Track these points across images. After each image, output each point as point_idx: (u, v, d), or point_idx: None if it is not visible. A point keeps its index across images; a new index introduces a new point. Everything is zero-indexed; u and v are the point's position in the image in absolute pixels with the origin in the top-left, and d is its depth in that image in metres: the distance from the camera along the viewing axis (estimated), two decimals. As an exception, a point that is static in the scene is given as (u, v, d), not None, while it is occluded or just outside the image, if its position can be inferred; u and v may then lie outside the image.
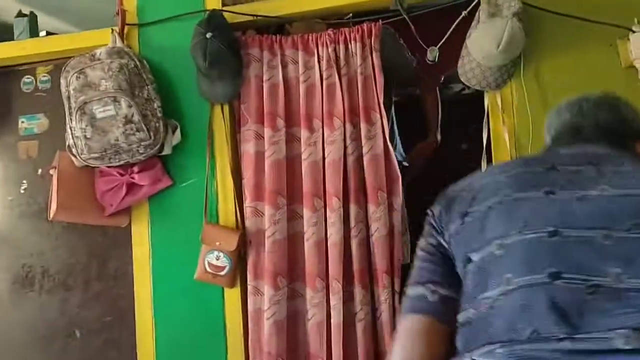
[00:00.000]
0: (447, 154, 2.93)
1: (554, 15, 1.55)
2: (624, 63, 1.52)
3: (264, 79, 1.80)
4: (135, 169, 1.83)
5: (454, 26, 1.64)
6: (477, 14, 1.61)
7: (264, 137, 1.79)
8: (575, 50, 1.57)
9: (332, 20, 1.86)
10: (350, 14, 1.89)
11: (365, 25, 1.74)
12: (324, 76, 1.76)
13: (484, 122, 1.66)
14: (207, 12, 1.79)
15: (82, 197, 1.86)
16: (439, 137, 2.24)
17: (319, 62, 1.77)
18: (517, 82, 1.61)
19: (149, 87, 1.80)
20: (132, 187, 1.85)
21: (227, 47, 1.73)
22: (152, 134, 1.75)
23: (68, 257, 1.98)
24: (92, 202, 1.88)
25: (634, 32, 1.47)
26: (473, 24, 1.61)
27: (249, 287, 1.77)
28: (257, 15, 1.82)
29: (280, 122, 1.78)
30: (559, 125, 1.09)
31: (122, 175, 1.84)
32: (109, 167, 1.83)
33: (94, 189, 1.88)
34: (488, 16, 1.55)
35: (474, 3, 1.64)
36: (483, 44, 1.55)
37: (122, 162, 1.80)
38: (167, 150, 1.84)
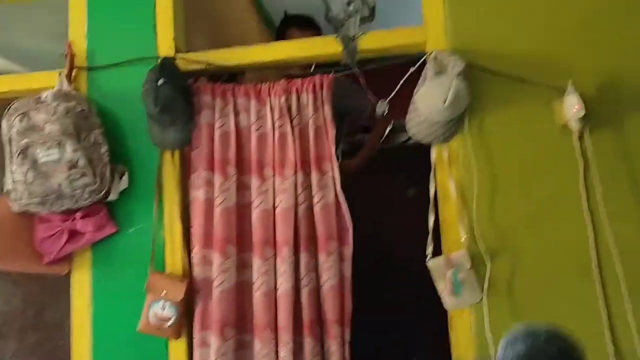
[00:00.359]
0: (393, 200, 3.01)
1: (496, 75, 1.64)
2: (559, 122, 1.62)
3: (216, 126, 1.80)
4: (78, 215, 1.77)
5: (401, 82, 1.71)
6: (424, 71, 1.69)
7: (214, 185, 1.78)
8: (515, 108, 1.65)
9: (285, 71, 1.90)
10: (314, 64, 1.94)
11: (317, 77, 1.79)
12: (276, 125, 1.77)
13: (430, 175, 1.71)
14: (160, 59, 1.79)
15: (19, 243, 1.79)
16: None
17: (271, 111, 1.79)
18: (462, 137, 1.67)
19: (96, 131, 1.76)
20: (74, 234, 1.78)
21: (179, 94, 1.73)
22: (98, 179, 1.71)
23: (2, 305, 1.87)
24: (29, 249, 1.80)
25: (567, 93, 1.58)
26: (420, 81, 1.68)
27: (195, 339, 1.72)
28: (209, 64, 1.83)
29: (232, 170, 1.77)
30: None
31: (63, 221, 1.77)
32: (50, 213, 1.76)
33: (32, 235, 1.80)
34: (434, 74, 1.62)
35: (421, 60, 1.72)
36: (430, 100, 1.62)
37: (64, 208, 1.74)
38: (113, 196, 1.79)
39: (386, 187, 2.70)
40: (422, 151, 1.76)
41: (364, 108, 2.10)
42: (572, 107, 1.56)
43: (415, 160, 1.84)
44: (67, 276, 1.84)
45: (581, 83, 1.58)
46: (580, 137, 1.60)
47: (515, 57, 1.66)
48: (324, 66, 1.84)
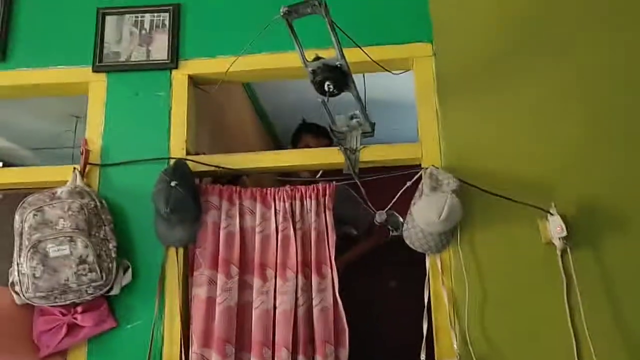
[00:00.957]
0: (376, 291, 3.08)
1: (485, 193, 1.79)
2: (544, 239, 1.76)
3: (222, 226, 1.88)
4: (79, 309, 1.79)
5: (398, 195, 1.84)
6: (420, 184, 1.83)
7: (216, 283, 1.83)
8: (503, 224, 1.79)
9: (291, 177, 2.02)
10: (320, 171, 2.06)
11: (320, 185, 1.91)
12: (280, 228, 1.87)
13: (425, 283, 1.81)
14: (174, 161, 1.90)
15: (17, 337, 1.78)
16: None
17: (275, 214, 1.89)
18: (455, 249, 1.79)
19: (106, 227, 1.82)
20: (72, 327, 1.79)
21: (189, 195, 1.82)
22: (104, 274, 1.75)
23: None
24: (26, 343, 1.79)
25: (551, 214, 1.73)
26: (417, 194, 1.82)
27: None
28: (220, 167, 1.94)
29: (234, 270, 1.84)
30: None
31: (64, 315, 1.79)
32: (51, 306, 1.78)
33: (30, 328, 1.81)
34: (430, 190, 1.76)
35: (417, 176, 1.86)
36: (426, 213, 1.74)
37: (67, 302, 1.76)
38: (115, 291, 1.82)
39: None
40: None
41: (359, 217, 2.24)
42: (555, 227, 1.70)
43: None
44: (61, 371, 1.83)
45: (564, 205, 1.74)
46: (563, 255, 1.74)
47: (504, 178, 1.82)
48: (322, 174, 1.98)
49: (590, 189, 1.79)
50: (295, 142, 2.67)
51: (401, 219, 1.92)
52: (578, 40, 1.95)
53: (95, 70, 2.05)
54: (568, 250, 1.73)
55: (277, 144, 4.02)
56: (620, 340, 1.66)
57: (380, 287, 3.10)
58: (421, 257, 2.75)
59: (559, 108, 1.89)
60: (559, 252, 1.73)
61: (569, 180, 1.81)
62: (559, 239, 1.71)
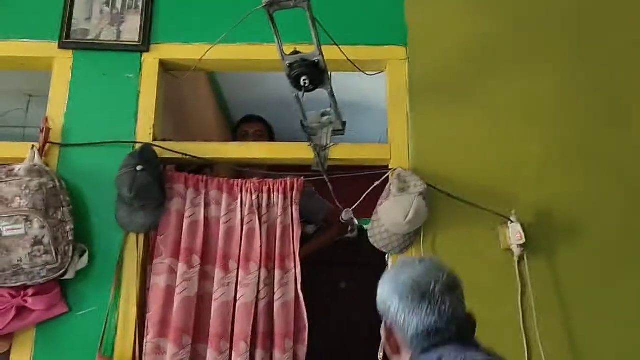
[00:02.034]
0: (325, 292, 3.09)
1: (450, 197, 1.84)
2: (503, 245, 1.82)
3: (186, 215, 1.85)
4: (30, 291, 1.72)
5: (366, 194, 1.86)
6: (388, 185, 1.85)
7: (176, 272, 1.80)
8: (465, 229, 1.84)
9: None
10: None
11: (288, 180, 1.91)
12: (245, 220, 1.85)
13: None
14: (141, 145, 1.85)
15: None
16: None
17: (241, 206, 1.87)
18: (417, 250, 1.83)
19: (64, 208, 1.76)
20: (22, 310, 1.72)
21: (155, 181, 1.78)
22: (59, 257, 1.69)
23: None
24: (-29, 324, 1.70)
25: (511, 221, 1.79)
26: (384, 194, 1.84)
27: None
28: (187, 155, 1.90)
29: (196, 259, 1.81)
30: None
31: (13, 297, 1.71)
32: (0, 287, 1.69)
33: (-24, 309, 1.72)
34: (398, 190, 1.79)
35: (385, 176, 1.89)
36: (392, 214, 1.77)
37: (18, 284, 1.69)
38: (69, 275, 1.76)
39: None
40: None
41: (320, 211, 2.27)
42: (514, 234, 1.77)
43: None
44: (6, 355, 1.74)
45: (523, 214, 1.81)
46: (520, 262, 1.80)
47: (468, 184, 1.87)
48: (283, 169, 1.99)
49: (548, 200, 1.87)
50: (235, 134, 2.69)
51: (356, 221, 1.95)
52: (542, 58, 2.03)
53: (62, 46, 1.98)
54: (525, 257, 1.80)
55: (234, 138, 3.98)
56: (568, 344, 1.73)
57: (331, 287, 3.12)
58: (368, 258, 2.79)
59: (523, 121, 1.96)
60: (516, 259, 1.80)
61: (528, 190, 1.88)
62: (517, 245, 1.77)
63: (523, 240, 1.76)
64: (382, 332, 1.23)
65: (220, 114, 3.60)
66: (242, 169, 2.03)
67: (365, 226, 3.51)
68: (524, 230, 1.77)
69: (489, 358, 1.15)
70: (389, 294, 1.19)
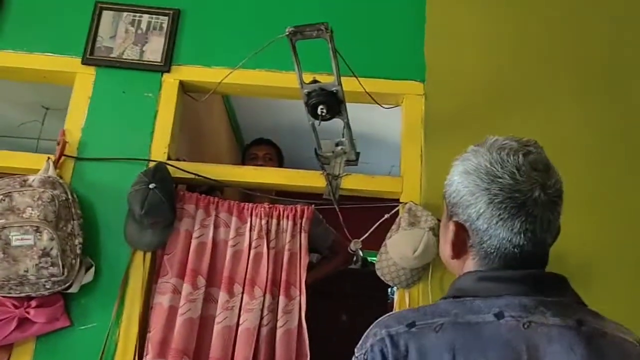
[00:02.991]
0: (325, 323, 3.06)
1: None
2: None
3: (194, 235, 1.85)
4: (33, 303, 1.71)
5: (375, 226, 1.86)
6: (398, 218, 1.85)
7: (181, 293, 1.79)
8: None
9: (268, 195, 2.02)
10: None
11: (298, 207, 1.91)
12: (253, 245, 1.85)
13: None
14: (155, 163, 1.86)
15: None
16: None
17: (250, 230, 1.87)
18: (425, 285, 1.81)
19: (74, 222, 1.76)
20: (23, 322, 1.71)
21: (166, 200, 1.79)
22: (66, 270, 1.68)
23: None
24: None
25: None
26: (394, 227, 1.83)
27: None
28: (199, 175, 1.91)
29: (201, 281, 1.80)
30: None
31: (16, 307, 1.70)
32: (4, 297, 1.69)
33: (-22, 317, 1.71)
34: (408, 224, 1.79)
35: (395, 209, 1.89)
36: (401, 247, 1.76)
37: (22, 295, 1.68)
38: (74, 289, 1.75)
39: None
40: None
41: (326, 238, 2.27)
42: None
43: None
44: (4, 366, 1.73)
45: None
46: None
47: None
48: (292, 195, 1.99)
49: (559, 241, 1.81)
50: (244, 157, 2.74)
51: (360, 252, 1.94)
52: (564, 101, 2.03)
53: (85, 62, 2.01)
54: (532, 299, 1.77)
55: (243, 160, 4.01)
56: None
57: (331, 319, 3.09)
58: (371, 291, 2.78)
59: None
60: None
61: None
62: (525, 287, 1.75)
63: (531, 283, 1.74)
64: (448, 226, 1.01)
65: (232, 137, 3.64)
66: (252, 193, 2.03)
67: (370, 258, 3.50)
68: (533, 272, 1.75)
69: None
70: (476, 187, 0.95)
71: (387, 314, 0.97)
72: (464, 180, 0.99)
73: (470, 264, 0.99)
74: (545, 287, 0.93)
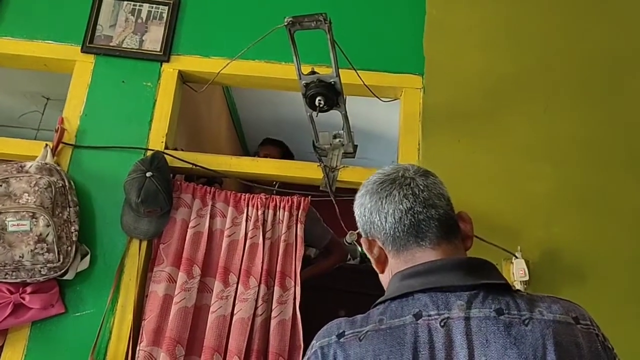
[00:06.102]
0: (323, 318, 3.06)
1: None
2: (508, 280, 1.79)
3: (190, 225, 1.85)
4: (29, 289, 1.72)
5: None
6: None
7: (176, 281, 1.79)
8: (470, 261, 1.83)
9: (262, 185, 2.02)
10: (277, 183, 2.09)
11: (295, 198, 1.91)
12: (249, 235, 1.85)
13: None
14: (152, 152, 1.87)
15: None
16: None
17: (246, 221, 1.87)
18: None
19: (71, 209, 1.76)
20: (18, 307, 1.72)
21: (163, 189, 1.79)
22: (61, 256, 1.69)
23: None
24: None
25: (516, 257, 1.78)
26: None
27: None
28: (197, 165, 1.92)
29: (197, 270, 1.80)
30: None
31: (11, 293, 1.71)
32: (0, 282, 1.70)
33: (-27, 301, 1.72)
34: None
35: (392, 202, 1.89)
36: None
37: (18, 280, 1.68)
38: (69, 276, 1.76)
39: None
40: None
41: (323, 237, 2.28)
42: (518, 270, 1.75)
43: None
44: (-2, 352, 1.74)
45: (529, 250, 1.80)
46: (522, 298, 1.78)
47: (475, 216, 1.82)
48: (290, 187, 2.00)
49: (556, 239, 1.85)
50: (257, 153, 2.80)
51: (359, 247, 1.93)
52: (562, 98, 2.03)
53: (85, 50, 2.02)
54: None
55: (245, 153, 4.02)
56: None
57: (329, 314, 3.09)
58: (369, 287, 2.75)
59: (536, 159, 1.95)
60: (518, 295, 1.77)
61: (536, 228, 1.86)
62: (520, 282, 1.75)
63: (526, 277, 1.74)
64: (365, 248, 1.07)
65: (232, 129, 3.64)
66: (251, 184, 2.03)
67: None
68: (528, 268, 1.75)
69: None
70: (360, 199, 1.07)
71: (332, 321, 0.97)
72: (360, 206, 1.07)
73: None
74: (466, 274, 0.92)
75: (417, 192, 1.00)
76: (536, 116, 2.00)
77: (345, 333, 0.92)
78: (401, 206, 0.99)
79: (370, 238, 1.05)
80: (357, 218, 1.09)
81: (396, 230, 0.99)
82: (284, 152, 2.79)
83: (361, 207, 1.07)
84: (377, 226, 1.02)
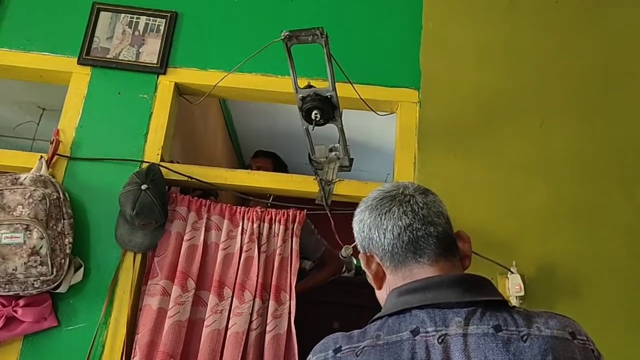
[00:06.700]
0: (317, 331, 3.04)
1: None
2: (504, 295, 1.79)
3: (185, 238, 1.84)
4: (21, 302, 1.70)
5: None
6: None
7: (170, 295, 1.78)
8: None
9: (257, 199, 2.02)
10: (271, 196, 2.09)
11: (291, 211, 1.90)
12: (244, 248, 1.84)
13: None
14: (148, 164, 1.86)
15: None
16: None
17: (241, 234, 1.86)
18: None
19: (65, 221, 1.75)
20: (11, 320, 1.70)
21: (158, 202, 1.78)
22: (55, 269, 1.67)
23: None
24: (-43, 330, 1.68)
25: (512, 272, 1.78)
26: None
27: None
28: (192, 178, 1.91)
29: (191, 283, 1.79)
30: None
31: (4, 306, 1.69)
32: (-9, 295, 1.68)
33: (-36, 315, 1.70)
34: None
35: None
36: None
37: (11, 293, 1.67)
38: (62, 289, 1.74)
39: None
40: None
41: (317, 249, 2.27)
42: (514, 285, 1.75)
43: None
44: (-12, 366, 1.72)
45: (525, 266, 1.79)
46: (518, 313, 1.77)
47: (470, 231, 1.82)
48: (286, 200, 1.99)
49: (551, 255, 1.85)
50: (250, 166, 2.84)
51: (354, 260, 1.93)
52: (557, 114, 2.04)
53: (81, 62, 2.01)
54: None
55: (241, 166, 4.02)
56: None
57: (323, 326, 3.08)
58: (364, 299, 2.75)
59: (532, 174, 1.95)
60: (514, 310, 1.77)
61: (532, 243, 1.86)
62: (516, 297, 1.75)
63: (522, 293, 1.74)
64: (363, 264, 1.08)
65: (228, 141, 3.64)
66: (246, 197, 2.03)
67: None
68: (523, 283, 1.75)
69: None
70: (359, 215, 1.07)
71: (329, 336, 0.97)
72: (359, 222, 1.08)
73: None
74: (463, 291, 0.93)
75: (416, 209, 1.01)
76: (532, 131, 2.01)
77: (342, 348, 0.92)
78: (400, 222, 1.00)
79: (369, 254, 1.06)
80: (355, 234, 1.10)
81: (394, 246, 1.00)
82: (276, 163, 2.82)
83: (360, 222, 1.07)
84: (375, 242, 1.03)
